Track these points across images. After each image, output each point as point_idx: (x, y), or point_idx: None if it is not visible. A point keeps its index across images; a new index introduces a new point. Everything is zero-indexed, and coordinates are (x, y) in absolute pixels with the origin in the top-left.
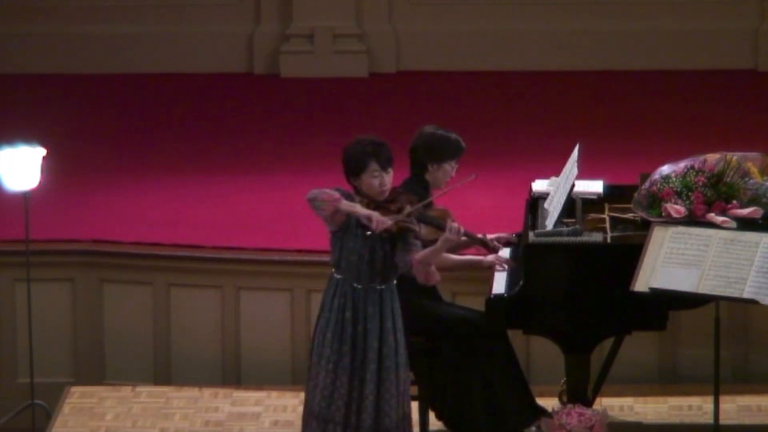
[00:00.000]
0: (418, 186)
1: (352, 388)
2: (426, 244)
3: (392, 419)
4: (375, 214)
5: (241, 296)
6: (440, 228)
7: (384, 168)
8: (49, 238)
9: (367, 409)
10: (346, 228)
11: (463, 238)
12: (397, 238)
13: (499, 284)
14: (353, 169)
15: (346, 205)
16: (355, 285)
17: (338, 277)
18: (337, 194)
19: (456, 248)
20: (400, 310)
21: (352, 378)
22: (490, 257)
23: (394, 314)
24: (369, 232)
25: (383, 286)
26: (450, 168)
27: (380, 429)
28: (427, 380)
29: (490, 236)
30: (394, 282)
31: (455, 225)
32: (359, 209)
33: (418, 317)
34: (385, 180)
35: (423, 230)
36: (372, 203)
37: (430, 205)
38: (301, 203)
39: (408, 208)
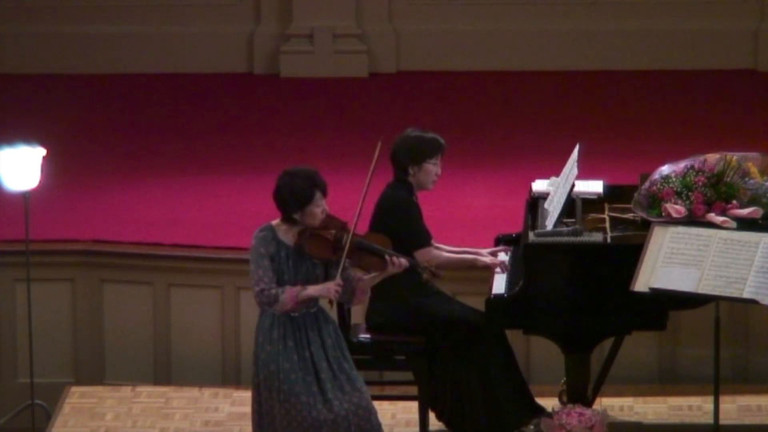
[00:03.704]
0: (401, 190)
1: (315, 413)
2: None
3: (372, 424)
4: (329, 287)
5: (241, 296)
6: (382, 256)
7: (325, 196)
8: (49, 238)
9: (343, 425)
10: (278, 265)
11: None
12: (331, 264)
13: (499, 284)
14: (300, 202)
15: (303, 297)
16: (292, 314)
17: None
18: (288, 296)
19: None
20: (333, 323)
21: (311, 404)
22: (485, 258)
23: (333, 328)
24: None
25: (315, 309)
26: (432, 167)
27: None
28: (427, 380)
29: (486, 251)
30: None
31: (398, 259)
32: (314, 294)
33: (418, 318)
34: (325, 207)
35: (365, 260)
36: (307, 230)
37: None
38: None
39: (345, 237)
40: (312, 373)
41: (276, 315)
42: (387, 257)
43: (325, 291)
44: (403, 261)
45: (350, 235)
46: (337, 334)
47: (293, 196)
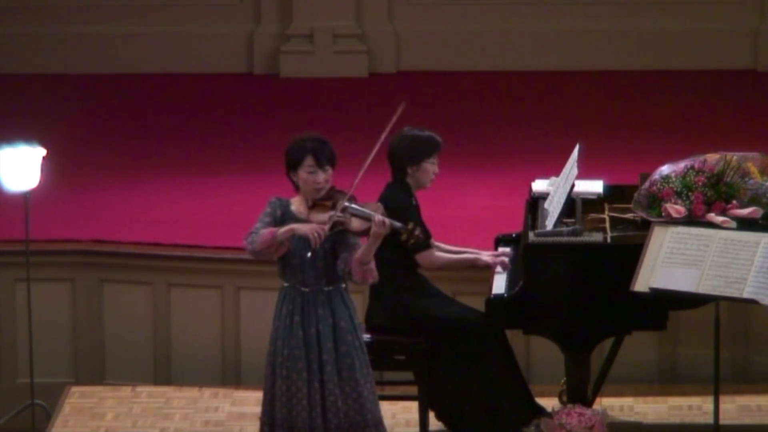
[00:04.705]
0: (400, 190)
1: (313, 392)
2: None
3: (365, 418)
4: (311, 227)
5: (241, 296)
6: (368, 219)
7: (320, 165)
8: (49, 238)
9: (331, 410)
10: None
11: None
12: (336, 236)
13: (499, 284)
14: (291, 163)
15: (282, 232)
16: (302, 289)
17: (286, 284)
18: (267, 230)
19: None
20: (355, 310)
21: (310, 381)
22: (486, 257)
23: (348, 314)
24: (309, 254)
25: (331, 288)
26: (430, 166)
27: (352, 427)
28: (427, 380)
29: (488, 253)
30: (343, 285)
31: (382, 218)
32: (295, 228)
33: (417, 318)
34: (319, 177)
35: (354, 223)
36: (309, 201)
37: (354, 199)
38: None
39: (340, 199)
40: (316, 351)
41: (287, 292)
42: (372, 218)
43: (303, 229)
44: (388, 222)
45: (346, 196)
46: (354, 321)
47: (288, 156)
